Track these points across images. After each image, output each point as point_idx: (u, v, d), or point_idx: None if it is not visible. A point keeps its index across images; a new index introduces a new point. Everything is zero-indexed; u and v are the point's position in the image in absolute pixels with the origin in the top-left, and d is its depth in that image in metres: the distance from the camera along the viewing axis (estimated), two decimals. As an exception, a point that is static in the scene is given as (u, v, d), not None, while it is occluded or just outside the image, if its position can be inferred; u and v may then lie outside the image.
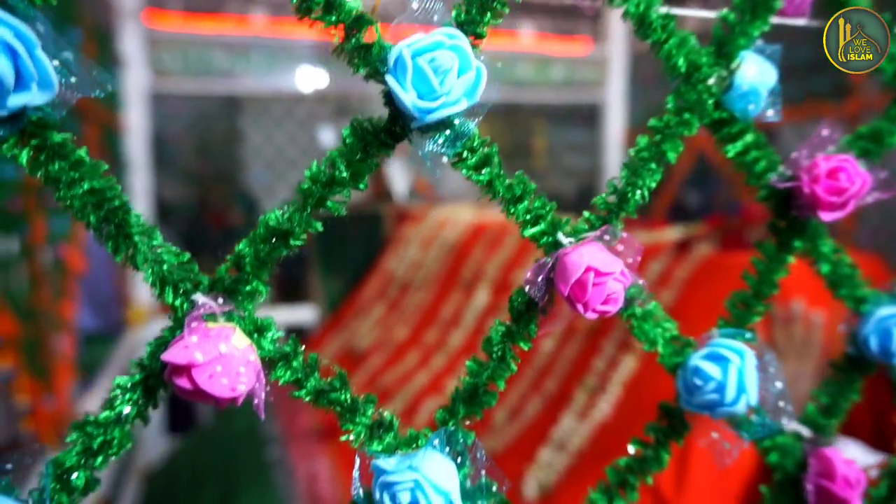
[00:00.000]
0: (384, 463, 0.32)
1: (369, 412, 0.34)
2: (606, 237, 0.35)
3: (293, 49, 2.87)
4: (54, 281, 1.79)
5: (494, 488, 0.35)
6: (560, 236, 0.35)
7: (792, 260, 0.42)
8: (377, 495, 0.32)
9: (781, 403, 0.38)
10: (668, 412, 0.41)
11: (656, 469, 0.40)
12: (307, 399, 0.33)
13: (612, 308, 0.35)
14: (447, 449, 0.34)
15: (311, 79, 2.87)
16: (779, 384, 0.38)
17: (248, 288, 0.31)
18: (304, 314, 2.61)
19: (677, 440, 0.40)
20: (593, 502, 0.40)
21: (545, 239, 0.36)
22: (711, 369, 0.38)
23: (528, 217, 0.35)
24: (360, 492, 0.33)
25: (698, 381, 0.38)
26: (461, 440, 0.34)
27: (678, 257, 1.48)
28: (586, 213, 0.37)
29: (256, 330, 0.31)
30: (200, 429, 2.50)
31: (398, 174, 2.87)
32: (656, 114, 0.38)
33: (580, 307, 0.34)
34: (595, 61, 3.05)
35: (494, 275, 1.92)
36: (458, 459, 0.34)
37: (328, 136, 2.99)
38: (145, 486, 2.21)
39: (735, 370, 0.37)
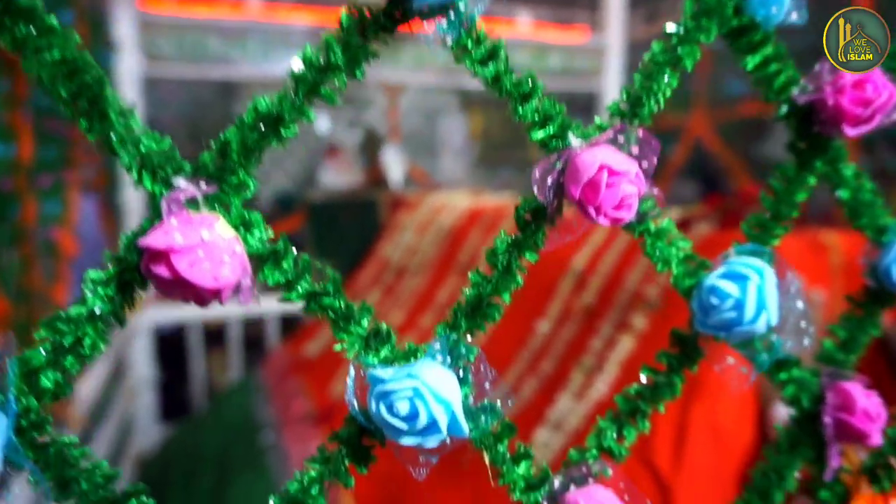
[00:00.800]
0: (381, 372, 0.30)
1: (365, 322, 0.31)
2: (620, 139, 0.33)
3: (289, 34, 2.84)
4: (46, 264, 1.75)
5: (498, 406, 0.32)
6: (571, 138, 0.33)
7: (813, 181, 0.40)
8: (373, 407, 0.30)
9: (803, 324, 0.36)
10: (680, 339, 0.39)
11: (669, 397, 0.37)
12: (298, 301, 0.30)
13: (626, 215, 0.32)
14: (448, 360, 0.31)
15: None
16: (800, 304, 0.36)
17: (234, 179, 0.28)
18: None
19: (690, 367, 0.38)
20: (602, 430, 0.37)
21: (554, 143, 0.33)
22: (729, 287, 0.35)
23: (536, 118, 0.33)
24: (356, 405, 0.31)
25: (715, 300, 0.36)
26: (464, 353, 0.32)
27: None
28: (598, 120, 0.35)
29: (243, 224, 0.29)
30: (194, 416, 2.47)
31: (393, 161, 2.84)
32: None
33: (592, 211, 0.32)
34: (592, 50, 3.03)
35: (491, 259, 1.89)
36: (460, 374, 0.32)
37: (324, 124, 2.96)
38: (139, 474, 2.19)
39: (754, 287, 0.35)
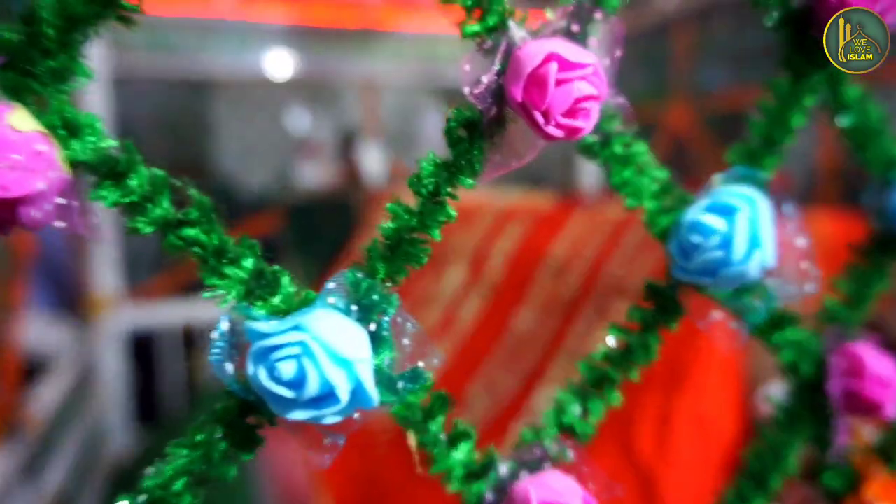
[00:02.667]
0: (260, 325, 0.22)
1: (247, 263, 0.24)
2: (574, 27, 0.25)
3: (262, 31, 2.75)
4: (1, 262, 1.66)
5: (421, 370, 0.25)
6: (513, 29, 0.26)
7: (811, 102, 0.33)
8: (250, 370, 0.22)
9: (804, 265, 0.29)
10: (655, 291, 0.31)
11: (643, 360, 0.30)
12: (148, 231, 0.22)
13: (584, 124, 0.25)
14: (355, 310, 0.24)
15: (281, 63, 2.76)
16: (801, 241, 0.29)
17: (50, 63, 0.21)
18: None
19: (668, 324, 0.31)
20: (562, 404, 0.30)
21: (494, 37, 0.26)
22: (714, 221, 0.28)
23: (468, 4, 0.26)
24: (230, 370, 0.23)
25: (697, 238, 0.28)
26: (377, 302, 0.24)
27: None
28: (548, 12, 0.27)
29: (66, 126, 0.21)
30: (169, 419, 2.37)
31: (371, 159, 2.76)
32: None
33: (539, 118, 0.24)
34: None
35: (468, 252, 1.82)
36: (375, 330, 0.24)
37: (299, 122, 2.88)
38: (113, 480, 2.09)
39: (745, 219, 0.28)
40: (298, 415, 0.22)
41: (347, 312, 0.24)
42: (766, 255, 0.28)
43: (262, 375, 0.22)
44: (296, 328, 0.22)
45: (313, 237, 2.63)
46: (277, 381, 0.22)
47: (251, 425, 0.24)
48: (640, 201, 0.30)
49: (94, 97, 2.37)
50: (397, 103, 3.05)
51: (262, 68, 2.76)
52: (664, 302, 0.31)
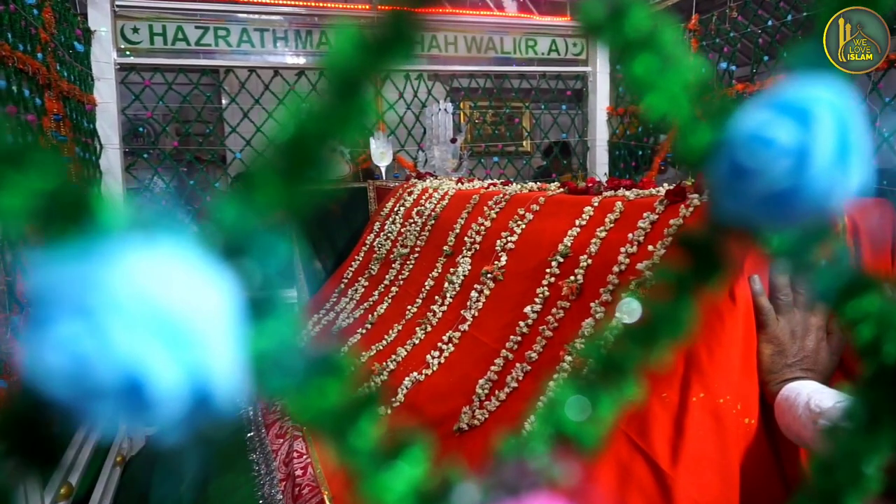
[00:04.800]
0: (40, 274, 0.13)
1: (42, 172, 0.14)
2: None
3: (271, 20, 2.67)
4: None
5: (332, 355, 0.15)
6: None
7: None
8: (25, 348, 0.13)
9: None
10: (690, 244, 0.21)
11: (670, 334, 0.20)
12: None
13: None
14: (214, 254, 0.14)
15: (291, 51, 2.68)
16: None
17: None
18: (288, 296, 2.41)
19: (709, 283, 0.21)
20: (555, 403, 0.20)
21: None
22: (783, 131, 0.18)
23: None
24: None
25: (755, 156, 0.19)
26: (257, 245, 0.15)
27: (672, 208, 1.28)
28: None
29: None
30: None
31: (379, 151, 2.68)
32: None
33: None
34: (580, 35, 2.86)
35: (477, 243, 1.73)
36: (248, 289, 0.15)
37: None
38: (121, 472, 2.05)
39: (828, 127, 0.18)
40: (99, 420, 0.13)
41: (194, 256, 0.14)
42: (857, 182, 0.18)
43: (37, 357, 0.12)
44: (81, 278, 0.12)
45: (324, 230, 2.55)
46: (55, 366, 0.12)
47: (43, 432, 0.15)
48: (668, 102, 0.20)
49: (101, 88, 2.31)
50: (405, 95, 2.96)
51: (271, 58, 2.69)
52: (703, 254, 0.21)
